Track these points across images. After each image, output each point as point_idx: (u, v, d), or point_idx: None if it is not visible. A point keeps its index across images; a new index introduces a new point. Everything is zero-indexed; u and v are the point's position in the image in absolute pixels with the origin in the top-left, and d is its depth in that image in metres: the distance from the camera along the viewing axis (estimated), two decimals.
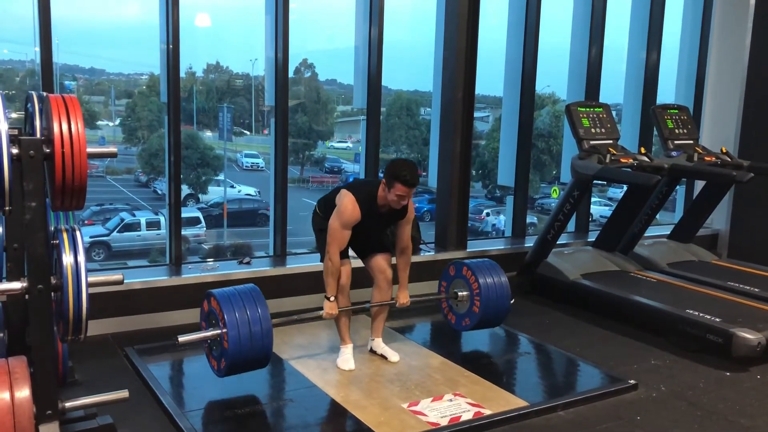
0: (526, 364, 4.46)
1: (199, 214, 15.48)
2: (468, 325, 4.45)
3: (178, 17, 4.75)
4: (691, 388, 4.00)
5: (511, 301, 4.47)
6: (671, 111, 6.13)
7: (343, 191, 3.88)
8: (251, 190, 17.93)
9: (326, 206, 4.00)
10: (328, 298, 3.91)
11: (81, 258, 2.54)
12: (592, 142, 5.46)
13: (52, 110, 2.40)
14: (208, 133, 18.13)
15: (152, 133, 17.11)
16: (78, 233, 2.61)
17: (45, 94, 2.53)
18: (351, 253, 4.10)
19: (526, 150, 6.56)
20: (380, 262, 4.14)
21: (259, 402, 3.64)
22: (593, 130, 5.55)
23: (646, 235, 6.34)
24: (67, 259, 2.52)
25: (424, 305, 5.26)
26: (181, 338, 3.53)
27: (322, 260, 3.97)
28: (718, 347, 4.37)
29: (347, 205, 3.81)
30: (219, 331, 3.52)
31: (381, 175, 4.38)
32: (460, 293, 4.42)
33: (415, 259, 5.63)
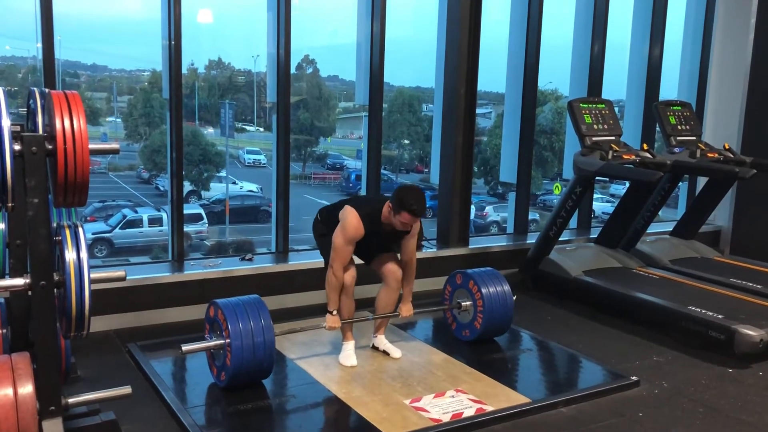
0: (528, 361, 4.46)
1: (202, 211, 15.49)
2: (468, 337, 4.49)
3: (180, 13, 4.74)
4: (693, 385, 4.00)
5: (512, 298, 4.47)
6: (674, 107, 6.12)
7: (347, 207, 3.84)
8: (253, 187, 17.93)
9: (328, 216, 4.00)
10: (330, 312, 3.92)
11: (83, 254, 2.54)
12: (594, 139, 5.46)
13: (54, 106, 2.40)
14: (210, 129, 18.12)
15: (154, 130, 17.12)
16: (80, 230, 2.62)
17: (47, 90, 2.53)
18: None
19: (529, 146, 6.55)
20: (389, 262, 4.11)
21: (261, 398, 3.64)
22: (596, 127, 5.54)
23: (648, 231, 6.32)
24: (70, 255, 2.52)
25: (428, 301, 5.27)
26: (185, 347, 3.56)
27: (325, 266, 3.96)
28: (720, 344, 4.36)
29: (351, 221, 3.78)
30: (222, 342, 3.56)
31: (383, 172, 4.37)
32: (463, 303, 4.45)
33: (418, 255, 5.64)
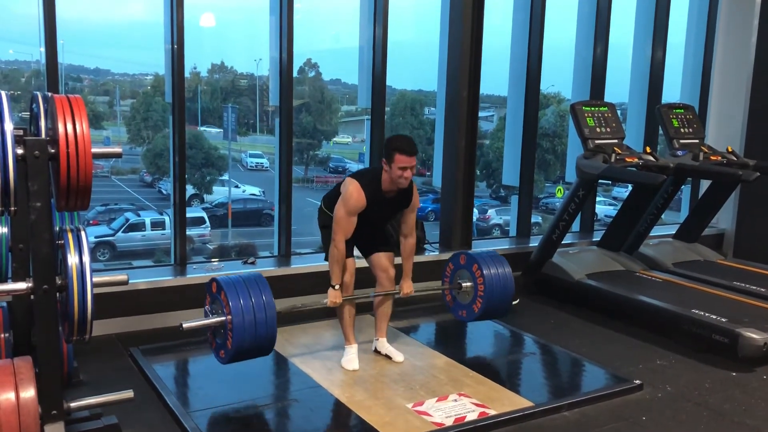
0: (531, 364, 4.45)
1: (204, 214, 15.50)
2: (464, 318, 4.44)
3: (183, 17, 4.75)
4: (696, 389, 3.99)
5: (515, 302, 4.44)
6: (677, 110, 6.11)
7: (348, 179, 3.87)
8: (256, 190, 17.94)
9: (330, 202, 3.99)
10: (333, 286, 3.90)
11: (86, 258, 2.54)
12: (597, 142, 5.45)
13: (57, 111, 2.40)
14: (213, 131, 18.14)
15: (157, 133, 17.15)
16: (83, 233, 2.62)
17: (50, 94, 2.53)
18: (356, 252, 4.10)
19: (531, 149, 6.54)
20: (383, 260, 4.12)
21: (263, 402, 3.64)
22: (598, 130, 5.53)
23: (651, 234, 6.32)
24: (72, 259, 2.52)
25: (430, 305, 5.26)
26: (186, 324, 3.50)
27: (326, 259, 3.96)
28: (723, 347, 4.35)
29: (352, 192, 3.79)
30: (223, 318, 3.48)
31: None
32: (464, 284, 4.37)
33: (419, 258, 5.64)
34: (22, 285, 2.56)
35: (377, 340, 4.28)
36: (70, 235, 2.58)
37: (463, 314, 4.45)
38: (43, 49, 4.36)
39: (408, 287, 4.15)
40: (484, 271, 4.25)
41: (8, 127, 2.32)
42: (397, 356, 4.18)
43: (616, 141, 5.54)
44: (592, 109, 5.64)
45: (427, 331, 5.03)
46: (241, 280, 3.55)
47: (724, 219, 7.32)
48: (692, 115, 6.17)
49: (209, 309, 3.63)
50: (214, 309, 3.58)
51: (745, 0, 7.12)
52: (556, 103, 17.59)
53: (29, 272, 2.65)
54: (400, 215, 4.05)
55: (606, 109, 5.70)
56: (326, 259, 3.97)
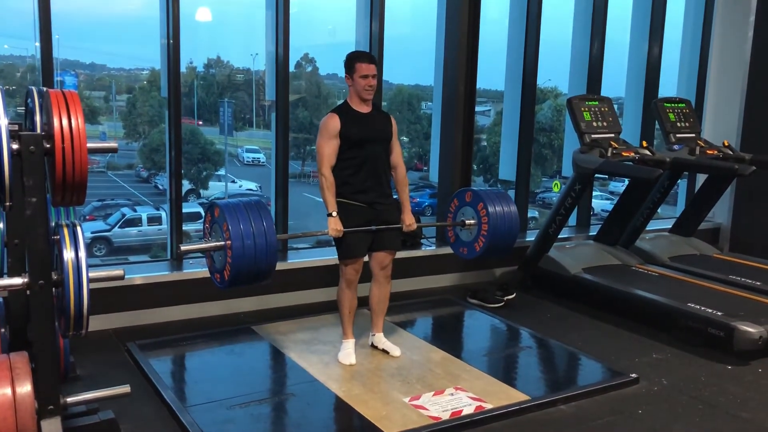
0: (528, 358, 4.46)
1: (201, 210, 15.48)
2: (465, 255, 4.39)
3: (179, 12, 4.74)
4: (692, 382, 4.00)
5: (511, 297, 4.42)
6: (673, 104, 6.11)
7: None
8: (252, 185, 17.93)
9: None
10: (330, 214, 3.87)
11: (82, 253, 2.54)
12: (593, 136, 5.45)
13: (52, 105, 2.40)
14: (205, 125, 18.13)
15: (153, 128, 17.11)
16: (79, 229, 2.61)
17: (45, 89, 2.52)
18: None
19: (528, 144, 6.54)
20: (384, 258, 4.11)
21: (261, 397, 3.64)
22: (595, 124, 5.53)
23: (647, 228, 6.33)
24: (68, 254, 2.52)
25: (426, 299, 5.27)
26: (184, 247, 3.47)
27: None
28: (719, 341, 4.36)
29: (325, 119, 3.90)
30: (222, 243, 3.39)
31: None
32: (467, 221, 4.30)
33: (416, 253, 5.65)
34: (18, 280, 2.55)
35: (374, 335, 4.28)
36: (65, 231, 2.57)
37: (464, 251, 4.40)
38: (38, 44, 4.33)
39: (409, 219, 4.10)
40: (489, 210, 4.18)
41: (3, 122, 2.32)
42: (394, 350, 4.19)
43: (612, 135, 5.54)
44: (589, 103, 5.64)
45: (424, 326, 5.04)
46: (241, 205, 3.45)
47: (720, 213, 7.33)
48: (689, 110, 6.18)
49: (209, 231, 3.54)
50: (214, 232, 3.49)
51: None
52: (552, 97, 17.59)
53: (25, 268, 2.64)
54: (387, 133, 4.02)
55: (603, 103, 5.70)
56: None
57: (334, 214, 3.87)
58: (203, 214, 3.61)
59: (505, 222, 4.20)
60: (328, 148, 3.87)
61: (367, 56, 3.97)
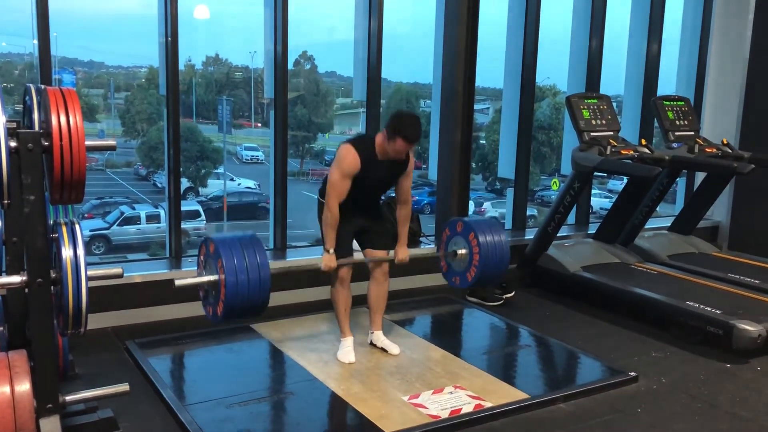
0: (527, 357, 4.46)
1: (199, 208, 15.50)
2: (457, 284, 4.42)
3: (177, 9, 4.72)
4: (691, 380, 4.00)
5: (510, 295, 4.43)
6: (672, 102, 6.11)
7: (342, 145, 3.85)
8: (251, 183, 17.93)
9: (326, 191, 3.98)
10: (327, 251, 3.87)
11: (80, 251, 2.53)
12: (592, 134, 5.45)
13: (50, 103, 2.39)
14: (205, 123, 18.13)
15: (151, 126, 17.10)
16: (77, 227, 2.60)
17: (43, 86, 2.51)
18: (355, 246, 4.09)
19: (527, 142, 6.54)
20: (378, 255, 4.11)
21: (259, 395, 3.63)
22: (594, 122, 5.53)
23: (646, 227, 6.32)
24: (67, 252, 2.51)
25: (426, 297, 5.27)
26: (178, 282, 3.48)
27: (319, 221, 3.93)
28: (718, 339, 4.36)
29: (346, 154, 3.77)
30: (216, 277, 3.43)
31: None
32: (459, 252, 4.32)
33: (414, 252, 5.64)
34: (16, 278, 2.54)
35: (372, 333, 4.28)
36: (64, 229, 2.56)
37: (456, 281, 4.43)
38: (36, 42, 4.33)
39: (403, 253, 4.11)
40: (480, 240, 4.21)
41: (1, 119, 2.31)
42: (393, 349, 4.18)
43: (611, 133, 5.54)
44: (588, 101, 5.64)
45: (423, 324, 5.03)
46: (236, 240, 3.49)
47: (719, 211, 7.33)
48: (687, 108, 6.18)
49: (203, 265, 3.57)
50: (208, 267, 3.52)
51: None
52: (551, 95, 17.62)
53: (23, 266, 2.64)
54: (396, 184, 4.00)
55: (602, 101, 5.70)
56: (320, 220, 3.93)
57: (332, 251, 3.86)
58: (198, 248, 3.67)
59: (495, 252, 4.23)
60: (343, 185, 3.79)
61: (412, 137, 3.69)
